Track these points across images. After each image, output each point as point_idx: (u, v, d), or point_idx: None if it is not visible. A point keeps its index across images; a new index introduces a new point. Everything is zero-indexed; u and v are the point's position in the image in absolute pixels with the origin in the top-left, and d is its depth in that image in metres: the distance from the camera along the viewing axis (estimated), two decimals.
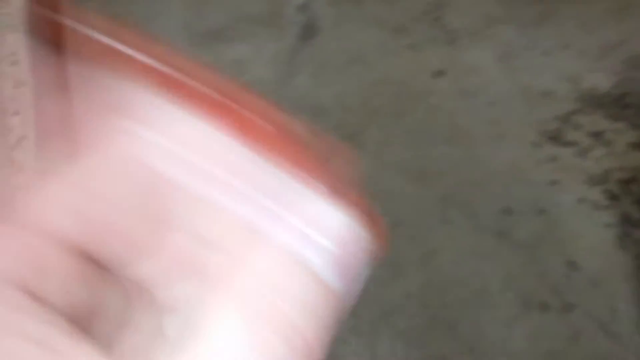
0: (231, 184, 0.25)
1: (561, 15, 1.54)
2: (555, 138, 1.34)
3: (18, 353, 0.18)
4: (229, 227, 0.25)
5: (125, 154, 0.23)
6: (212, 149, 0.25)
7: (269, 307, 0.19)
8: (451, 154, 1.33)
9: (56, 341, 0.18)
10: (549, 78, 1.44)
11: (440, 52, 1.50)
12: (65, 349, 0.18)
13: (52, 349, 0.18)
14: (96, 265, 0.22)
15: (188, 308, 0.19)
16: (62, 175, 0.22)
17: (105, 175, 0.23)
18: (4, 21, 1.46)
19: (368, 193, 0.24)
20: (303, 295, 0.19)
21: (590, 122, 1.37)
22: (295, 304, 0.19)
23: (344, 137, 1.35)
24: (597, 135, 1.35)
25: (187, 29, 1.53)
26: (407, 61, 1.49)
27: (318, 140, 0.26)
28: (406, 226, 1.23)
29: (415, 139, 1.36)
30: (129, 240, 0.23)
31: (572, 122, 1.37)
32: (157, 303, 0.24)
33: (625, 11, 1.54)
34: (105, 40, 0.25)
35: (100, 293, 0.21)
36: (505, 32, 1.52)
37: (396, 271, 1.19)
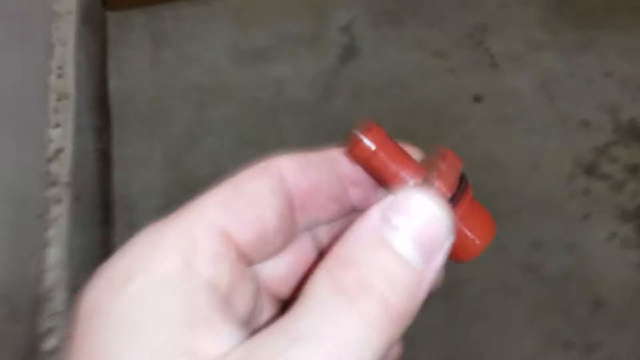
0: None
1: (604, 42, 1.52)
2: (590, 170, 1.33)
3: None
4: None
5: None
6: None
7: (356, 276, 0.22)
8: (484, 182, 1.32)
9: (202, 306, 0.22)
10: (589, 107, 1.42)
11: (480, 76, 1.50)
12: (209, 315, 0.22)
13: (198, 316, 0.22)
14: (239, 251, 0.26)
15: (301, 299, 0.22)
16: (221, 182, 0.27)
17: (257, 182, 0.27)
18: (54, 35, 1.52)
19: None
20: (386, 269, 0.22)
21: (627, 155, 1.34)
22: (380, 275, 0.22)
23: None
24: (633, 168, 1.32)
25: (232, 47, 1.57)
26: (447, 85, 1.49)
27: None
28: None
29: None
30: (267, 236, 0.27)
31: (609, 154, 1.35)
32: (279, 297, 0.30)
33: None
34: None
35: (240, 276, 0.25)
36: (547, 58, 1.51)
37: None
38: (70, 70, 1.32)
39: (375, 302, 0.21)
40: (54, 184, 1.17)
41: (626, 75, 1.46)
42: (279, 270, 0.30)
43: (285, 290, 0.30)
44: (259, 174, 0.28)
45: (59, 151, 1.22)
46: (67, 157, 1.21)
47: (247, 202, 0.26)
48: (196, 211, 0.26)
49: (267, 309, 0.29)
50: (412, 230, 0.23)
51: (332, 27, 1.60)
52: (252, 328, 0.27)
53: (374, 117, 1.36)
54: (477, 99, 1.46)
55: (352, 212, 0.31)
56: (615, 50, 1.50)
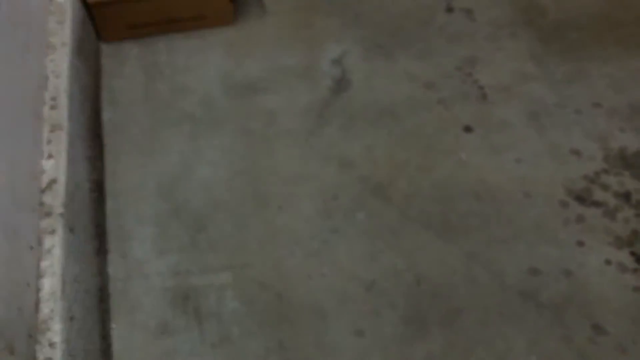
0: None
1: (593, 73, 1.55)
2: (582, 198, 1.34)
3: None
4: None
5: None
6: None
7: None
8: (478, 210, 1.33)
9: None
10: (579, 137, 1.44)
11: (470, 107, 1.51)
12: None
13: None
14: None
15: None
16: None
17: None
18: (49, 67, 1.54)
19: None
20: None
21: (618, 183, 1.36)
22: None
23: (371, 189, 1.37)
24: (625, 196, 1.34)
25: (225, 78, 1.58)
26: (437, 116, 1.51)
27: None
28: (430, 283, 1.24)
29: (442, 194, 1.37)
30: None
31: (600, 182, 1.36)
32: None
33: None
34: None
35: None
36: (536, 89, 1.54)
37: (420, 330, 1.19)
38: (63, 102, 1.32)
39: None
40: (47, 214, 1.16)
41: (615, 106, 1.49)
42: None
43: None
44: None
45: (52, 182, 1.21)
46: (60, 188, 1.20)
47: None
48: None
49: None
50: None
51: (324, 60, 1.61)
52: None
53: (366, 149, 1.36)
54: (468, 129, 1.48)
55: None
56: (604, 81, 1.53)
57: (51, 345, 0.99)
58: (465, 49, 1.62)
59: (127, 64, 1.60)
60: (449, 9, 1.71)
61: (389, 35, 1.66)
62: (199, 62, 1.61)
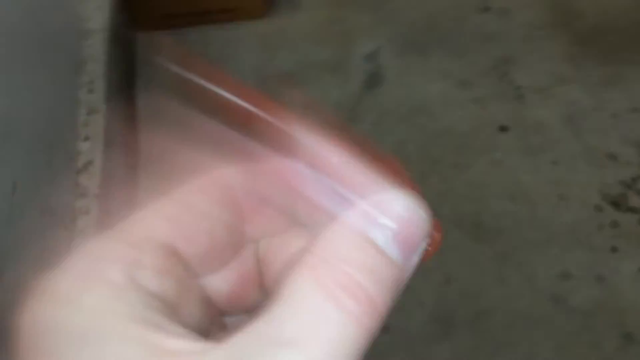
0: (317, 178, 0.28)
1: (630, 78, 1.52)
2: (618, 203, 1.32)
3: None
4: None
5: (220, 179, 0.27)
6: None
7: (340, 274, 0.22)
8: (511, 211, 1.32)
9: (154, 317, 0.22)
10: (615, 141, 1.42)
11: (506, 107, 1.50)
12: (163, 324, 0.22)
13: (153, 324, 0.22)
14: (185, 266, 0.25)
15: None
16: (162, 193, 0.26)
17: (206, 195, 0.27)
18: (86, 51, 1.54)
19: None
20: (370, 265, 0.22)
21: None
22: (364, 272, 0.22)
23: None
24: None
25: (257, 72, 1.58)
26: (472, 114, 1.49)
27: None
28: (460, 283, 1.23)
29: (476, 193, 1.36)
30: (215, 250, 0.26)
31: (637, 188, 1.34)
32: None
33: None
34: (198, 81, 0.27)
35: (186, 290, 0.25)
36: (573, 92, 1.52)
37: (446, 329, 1.18)
38: (100, 85, 1.33)
39: (363, 302, 0.22)
40: (83, 195, 1.17)
41: None
42: (221, 287, 0.28)
43: (227, 305, 0.29)
44: (207, 187, 0.27)
45: (88, 164, 1.22)
46: (96, 170, 1.22)
47: (195, 216, 0.26)
48: (141, 226, 0.25)
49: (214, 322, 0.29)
50: (397, 230, 0.24)
51: (358, 55, 1.61)
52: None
53: (398, 144, 1.35)
54: (503, 129, 1.46)
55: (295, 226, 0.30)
56: None
57: None
58: (501, 48, 1.61)
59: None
60: (486, 8, 1.69)
61: (424, 33, 1.65)
62: (232, 53, 1.61)
